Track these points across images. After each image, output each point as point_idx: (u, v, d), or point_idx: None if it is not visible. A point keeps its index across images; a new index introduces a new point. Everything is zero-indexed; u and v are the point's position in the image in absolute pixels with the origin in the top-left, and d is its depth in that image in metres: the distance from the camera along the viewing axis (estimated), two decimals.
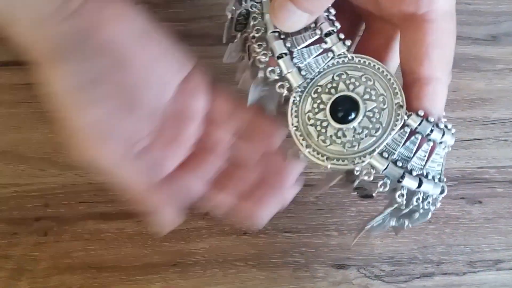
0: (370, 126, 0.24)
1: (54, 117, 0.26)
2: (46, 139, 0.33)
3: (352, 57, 0.25)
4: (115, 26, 0.26)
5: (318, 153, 0.24)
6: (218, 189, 0.27)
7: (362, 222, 0.26)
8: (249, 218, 0.27)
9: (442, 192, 0.25)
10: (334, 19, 0.25)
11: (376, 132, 0.24)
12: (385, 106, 0.24)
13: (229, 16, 0.26)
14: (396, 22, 0.25)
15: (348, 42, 0.25)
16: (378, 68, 0.24)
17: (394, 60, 0.27)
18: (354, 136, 0.24)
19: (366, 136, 0.24)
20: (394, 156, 0.24)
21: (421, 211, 0.25)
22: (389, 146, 0.24)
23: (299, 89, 0.25)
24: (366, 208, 0.32)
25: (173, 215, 0.27)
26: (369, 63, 0.25)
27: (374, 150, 0.24)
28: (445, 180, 0.26)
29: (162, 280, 0.29)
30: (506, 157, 0.35)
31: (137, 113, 0.27)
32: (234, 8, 0.26)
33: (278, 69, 0.24)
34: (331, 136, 0.24)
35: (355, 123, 0.24)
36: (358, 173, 0.24)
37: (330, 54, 0.25)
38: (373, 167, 0.24)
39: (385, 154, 0.24)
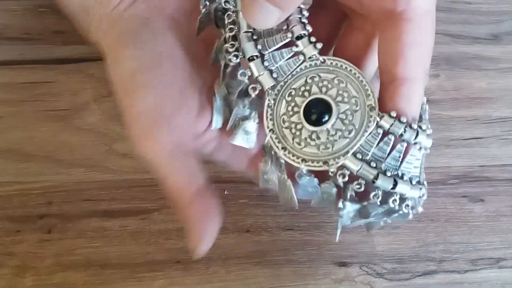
0: (343, 128, 0.24)
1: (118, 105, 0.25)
2: (49, 138, 0.33)
3: (324, 60, 0.25)
4: (175, 5, 0.26)
5: (293, 155, 0.24)
6: None
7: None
8: None
9: (422, 195, 0.25)
10: (307, 22, 0.25)
11: (349, 133, 0.24)
12: (358, 108, 0.24)
13: (203, 10, 0.26)
14: (375, 19, 0.25)
15: (319, 45, 0.25)
16: (350, 70, 0.25)
17: (374, 59, 0.26)
18: (328, 138, 0.24)
19: (339, 138, 0.24)
20: (368, 157, 0.24)
21: (400, 213, 0.25)
22: (362, 147, 0.24)
23: (273, 92, 0.25)
24: None
25: (214, 232, 0.26)
26: (341, 65, 0.25)
27: (348, 152, 0.24)
28: (425, 183, 0.25)
29: (165, 277, 0.30)
30: (507, 156, 0.35)
31: (198, 98, 0.26)
32: (207, 2, 0.26)
33: (249, 72, 0.25)
34: (305, 138, 0.24)
35: (328, 125, 0.24)
36: (332, 174, 0.24)
37: (302, 57, 0.25)
38: (347, 168, 0.24)
39: (359, 155, 0.24)
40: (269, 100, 0.25)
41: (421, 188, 0.25)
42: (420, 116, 0.26)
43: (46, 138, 0.33)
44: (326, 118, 0.24)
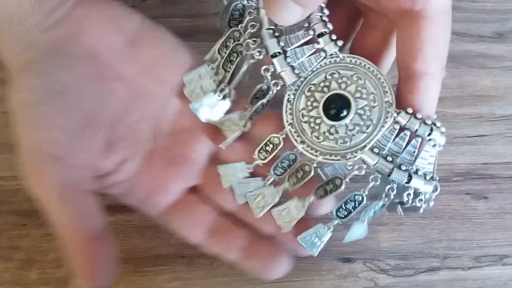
0: (361, 123, 0.25)
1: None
2: None
3: (344, 57, 0.25)
4: (97, 36, 0.25)
5: (312, 149, 0.25)
6: (217, 241, 0.26)
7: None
8: (258, 273, 0.26)
9: (435, 190, 0.26)
10: (327, 20, 0.26)
11: (367, 128, 0.25)
12: (376, 104, 0.25)
13: (225, 3, 0.26)
14: (393, 17, 0.25)
15: (339, 43, 0.25)
16: (369, 68, 0.25)
17: (390, 55, 0.27)
18: (346, 132, 0.25)
19: (357, 133, 0.25)
20: (385, 152, 0.25)
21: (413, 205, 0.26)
22: (379, 142, 0.25)
23: (293, 87, 0.26)
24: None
25: (106, 282, 0.23)
26: (360, 63, 0.25)
27: (365, 146, 0.25)
28: (437, 179, 0.26)
29: (170, 272, 0.30)
30: (511, 153, 0.35)
31: (104, 137, 0.25)
32: None
33: (272, 68, 0.25)
34: (324, 132, 0.25)
35: (347, 120, 0.25)
36: (350, 167, 0.25)
37: (323, 54, 0.26)
38: (364, 162, 0.25)
39: (376, 150, 0.25)
40: (288, 95, 0.26)
41: (435, 184, 0.25)
42: None
43: None
44: (345, 113, 0.25)
